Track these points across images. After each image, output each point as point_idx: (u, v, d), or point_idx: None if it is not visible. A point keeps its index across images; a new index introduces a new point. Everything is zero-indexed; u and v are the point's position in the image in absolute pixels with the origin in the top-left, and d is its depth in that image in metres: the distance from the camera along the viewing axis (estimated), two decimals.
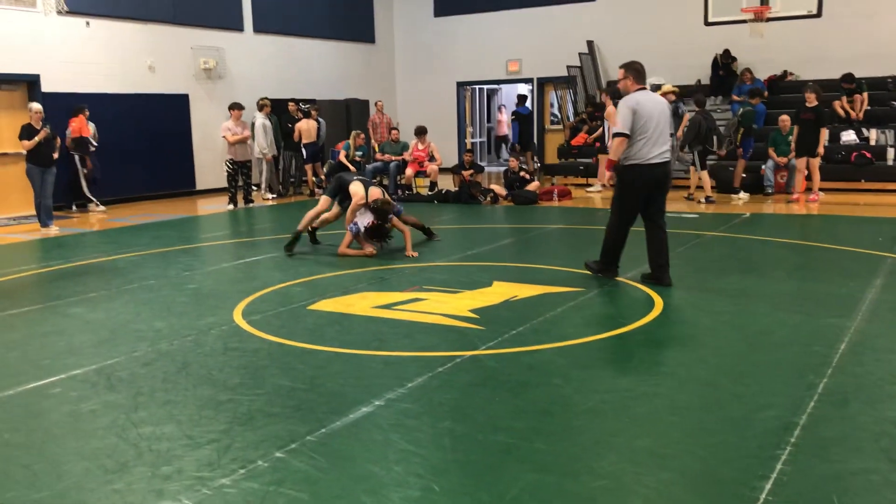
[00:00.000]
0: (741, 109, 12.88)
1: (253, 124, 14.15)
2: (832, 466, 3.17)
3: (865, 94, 13.93)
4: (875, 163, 13.05)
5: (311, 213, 8.57)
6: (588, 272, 6.81)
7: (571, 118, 17.87)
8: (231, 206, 12.92)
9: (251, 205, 13.19)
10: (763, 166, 12.89)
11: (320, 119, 14.93)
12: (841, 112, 13.93)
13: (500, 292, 6.31)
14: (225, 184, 13.49)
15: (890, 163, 13.07)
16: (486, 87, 21.05)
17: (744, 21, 14.27)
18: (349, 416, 3.77)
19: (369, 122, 16.41)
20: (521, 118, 16.37)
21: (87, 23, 13.29)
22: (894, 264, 7.08)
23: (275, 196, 14.52)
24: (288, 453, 3.37)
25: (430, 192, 13.57)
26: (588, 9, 17.46)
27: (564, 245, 9.07)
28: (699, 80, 16.07)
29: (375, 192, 8.18)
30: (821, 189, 11.96)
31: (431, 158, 14.02)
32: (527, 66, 18.56)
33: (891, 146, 13.22)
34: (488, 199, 12.63)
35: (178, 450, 3.45)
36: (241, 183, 13.10)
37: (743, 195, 12.43)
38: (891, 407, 3.78)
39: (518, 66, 18.70)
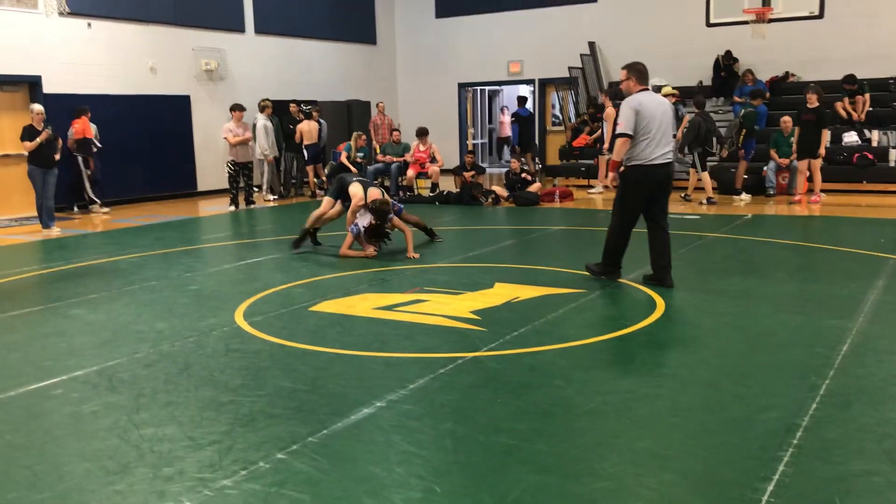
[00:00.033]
0: (743, 111, 12.90)
1: (254, 126, 14.15)
2: (834, 468, 3.16)
3: (867, 96, 13.93)
4: (877, 164, 13.03)
5: (315, 214, 8.72)
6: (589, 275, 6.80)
7: (573, 119, 17.87)
8: (232, 208, 12.92)
9: (252, 206, 13.20)
10: (765, 168, 12.88)
11: (321, 120, 14.92)
12: (843, 113, 13.92)
13: (501, 294, 6.31)
14: (226, 185, 13.49)
15: (892, 164, 13.06)
16: (487, 88, 21.05)
17: (745, 22, 14.26)
18: (350, 418, 3.77)
19: (371, 124, 16.41)
20: (521, 120, 16.36)
21: (89, 24, 13.31)
22: None
23: (276, 197, 14.52)
24: (289, 454, 3.37)
25: (431, 194, 13.57)
26: (589, 10, 17.46)
27: (566, 246, 9.07)
28: (701, 82, 16.06)
29: (374, 193, 8.22)
30: (822, 190, 11.96)
31: (433, 160, 14.02)
32: (528, 67, 18.55)
33: (893, 147, 13.20)
34: (490, 200, 12.63)
35: (180, 451, 3.45)
36: (242, 184, 13.10)
37: (745, 196, 12.42)
38: (893, 408, 3.77)
39: (519, 68, 18.69)
